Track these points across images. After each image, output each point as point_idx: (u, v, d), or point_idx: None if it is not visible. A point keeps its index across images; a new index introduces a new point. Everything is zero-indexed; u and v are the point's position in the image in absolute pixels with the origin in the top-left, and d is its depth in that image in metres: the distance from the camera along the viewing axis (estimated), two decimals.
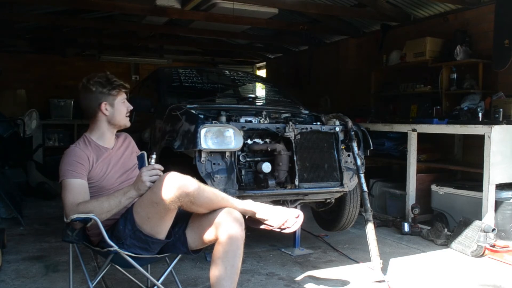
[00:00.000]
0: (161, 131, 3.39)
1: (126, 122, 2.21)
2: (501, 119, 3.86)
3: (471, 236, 3.50)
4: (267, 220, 2.05)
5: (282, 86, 5.64)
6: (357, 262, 3.30)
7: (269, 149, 3.10)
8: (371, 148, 3.53)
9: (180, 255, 2.16)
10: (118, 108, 2.16)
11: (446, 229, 3.84)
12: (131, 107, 2.23)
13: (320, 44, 7.12)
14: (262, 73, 9.79)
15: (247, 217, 2.06)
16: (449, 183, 4.34)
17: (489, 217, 3.63)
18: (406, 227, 4.09)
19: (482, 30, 4.64)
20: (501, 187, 3.79)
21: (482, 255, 3.45)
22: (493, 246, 3.47)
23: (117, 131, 2.27)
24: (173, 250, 2.08)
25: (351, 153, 3.38)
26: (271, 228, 2.08)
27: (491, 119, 3.98)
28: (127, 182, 2.14)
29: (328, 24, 6.37)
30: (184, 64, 9.00)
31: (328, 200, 3.49)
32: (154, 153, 2.03)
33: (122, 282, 2.76)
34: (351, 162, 3.38)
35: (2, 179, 4.61)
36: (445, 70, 4.76)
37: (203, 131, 2.89)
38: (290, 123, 3.17)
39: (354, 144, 3.36)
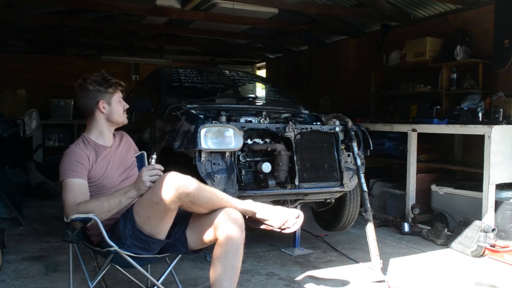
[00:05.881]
0: (161, 131, 3.39)
1: (124, 120, 2.23)
2: (501, 119, 3.86)
3: (471, 236, 3.50)
4: (267, 220, 2.05)
5: (282, 86, 5.63)
6: (357, 262, 3.30)
7: (269, 149, 3.10)
8: (371, 148, 3.53)
9: (180, 255, 2.16)
10: (115, 106, 2.17)
11: (446, 229, 3.84)
12: (127, 106, 2.25)
13: (320, 44, 7.11)
14: (262, 73, 9.78)
15: (247, 217, 2.06)
16: (449, 183, 4.34)
17: (489, 217, 3.63)
18: (406, 227, 4.09)
19: (482, 30, 4.64)
20: (501, 187, 3.79)
21: (482, 255, 3.45)
22: (493, 246, 3.47)
23: (115, 129, 2.27)
24: (173, 250, 2.08)
25: (351, 153, 3.38)
26: (271, 228, 2.08)
27: (491, 119, 3.97)
28: (127, 180, 2.15)
29: (328, 24, 6.37)
30: (184, 64, 9.00)
31: (328, 200, 3.49)
32: (154, 153, 2.04)
33: (122, 282, 2.76)
34: (351, 162, 3.38)
35: (2, 179, 4.60)
36: (445, 70, 4.76)
37: (203, 131, 2.89)
38: (290, 123, 3.17)
39: (354, 144, 3.36)
